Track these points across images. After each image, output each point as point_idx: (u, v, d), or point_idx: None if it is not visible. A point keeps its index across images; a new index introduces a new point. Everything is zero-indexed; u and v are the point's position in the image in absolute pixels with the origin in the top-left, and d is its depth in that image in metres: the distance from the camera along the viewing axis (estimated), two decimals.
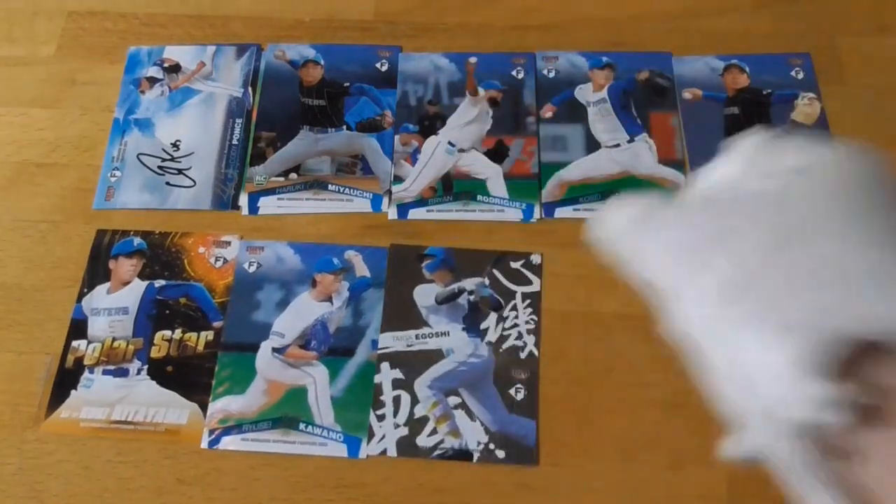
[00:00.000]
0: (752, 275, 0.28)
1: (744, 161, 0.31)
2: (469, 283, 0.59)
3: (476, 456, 0.53)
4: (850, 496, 0.26)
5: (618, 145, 0.64)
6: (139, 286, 0.59)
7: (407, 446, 0.54)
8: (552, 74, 0.67)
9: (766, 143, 0.31)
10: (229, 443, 0.54)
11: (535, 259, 0.59)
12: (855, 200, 0.29)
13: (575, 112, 0.65)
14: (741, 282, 0.28)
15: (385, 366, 0.56)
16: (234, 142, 0.65)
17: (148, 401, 0.55)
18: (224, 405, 0.55)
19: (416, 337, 0.57)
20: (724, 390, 0.28)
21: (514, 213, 0.61)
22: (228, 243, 0.60)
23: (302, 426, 0.54)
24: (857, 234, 0.28)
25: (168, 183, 0.63)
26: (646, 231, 0.31)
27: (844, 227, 0.28)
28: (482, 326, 0.58)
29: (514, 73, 0.67)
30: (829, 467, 0.26)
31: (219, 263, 0.60)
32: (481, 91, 0.66)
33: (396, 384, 0.56)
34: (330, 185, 0.63)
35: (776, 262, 0.27)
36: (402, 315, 0.58)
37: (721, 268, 0.28)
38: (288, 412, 0.55)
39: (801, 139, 0.31)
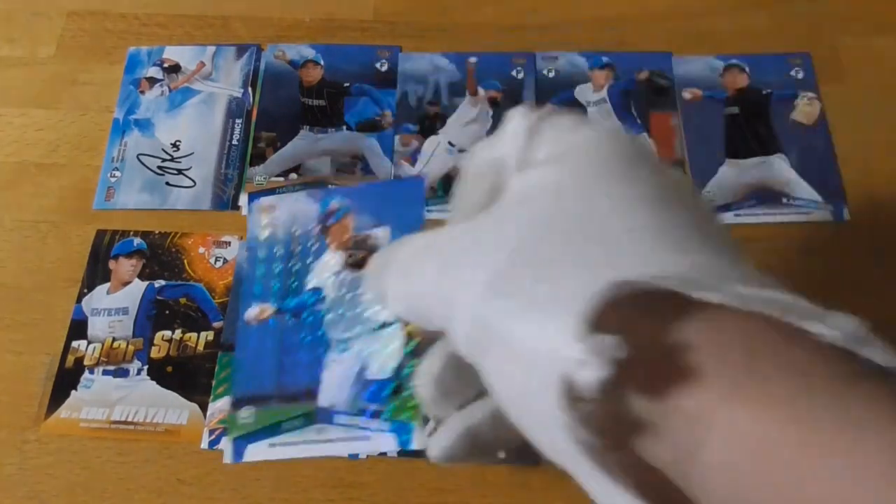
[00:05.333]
0: (517, 261, 0.26)
1: (509, 148, 0.32)
2: None
3: None
4: (640, 484, 0.24)
5: None
6: (139, 286, 0.59)
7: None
8: (552, 74, 0.67)
9: (528, 130, 0.31)
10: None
11: None
12: (612, 175, 0.28)
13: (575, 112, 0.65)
14: (507, 271, 0.26)
15: None
16: (234, 142, 0.65)
17: (148, 401, 0.55)
18: (224, 405, 0.55)
19: None
20: (507, 392, 0.27)
21: None
22: (228, 243, 0.60)
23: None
24: (617, 204, 0.27)
25: (168, 183, 0.63)
26: (405, 268, 0.31)
27: (603, 201, 0.27)
28: None
29: (514, 73, 0.67)
30: (612, 452, 0.24)
31: (219, 264, 0.60)
32: (481, 91, 0.66)
33: None
34: (330, 186, 0.62)
35: (541, 244, 0.26)
36: None
37: (484, 265, 0.27)
38: None
39: (561, 120, 0.32)
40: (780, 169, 0.62)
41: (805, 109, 0.64)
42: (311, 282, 0.50)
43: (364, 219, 0.51)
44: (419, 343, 0.44)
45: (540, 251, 0.26)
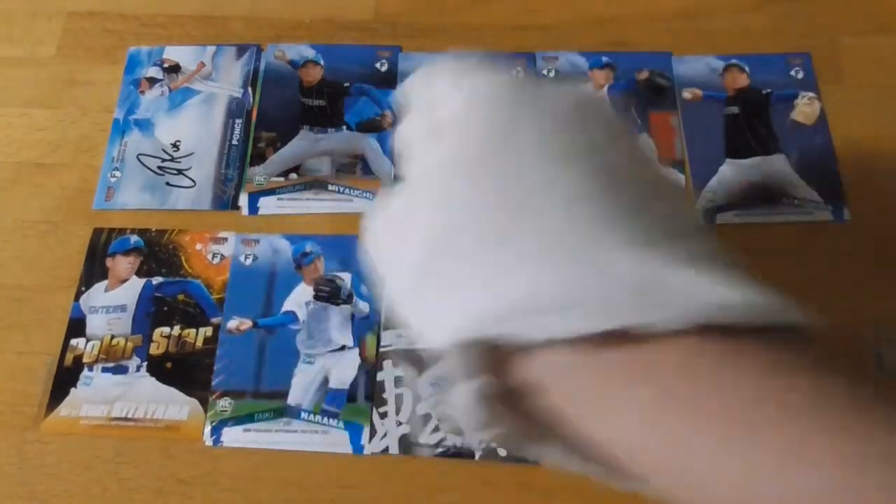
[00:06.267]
0: (431, 259, 0.31)
1: (418, 118, 0.36)
2: None
3: (478, 454, 0.53)
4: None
5: None
6: (137, 283, 0.59)
7: (409, 444, 0.54)
8: (552, 74, 0.67)
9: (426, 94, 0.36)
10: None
11: None
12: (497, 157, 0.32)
13: None
14: (423, 265, 0.31)
15: (387, 363, 0.56)
16: (234, 142, 0.65)
17: (148, 397, 0.55)
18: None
19: None
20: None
21: None
22: (225, 239, 0.60)
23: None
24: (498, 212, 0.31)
25: (168, 183, 0.63)
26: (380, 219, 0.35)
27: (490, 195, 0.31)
28: None
29: (514, 73, 0.67)
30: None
31: (216, 260, 0.60)
32: None
33: (399, 382, 0.56)
34: (330, 186, 0.62)
35: (444, 250, 0.31)
36: None
37: (410, 249, 0.32)
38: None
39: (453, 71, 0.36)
40: (780, 169, 0.62)
41: (805, 109, 0.64)
42: (287, 306, 0.58)
43: (332, 264, 0.60)
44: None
45: (439, 261, 0.31)
